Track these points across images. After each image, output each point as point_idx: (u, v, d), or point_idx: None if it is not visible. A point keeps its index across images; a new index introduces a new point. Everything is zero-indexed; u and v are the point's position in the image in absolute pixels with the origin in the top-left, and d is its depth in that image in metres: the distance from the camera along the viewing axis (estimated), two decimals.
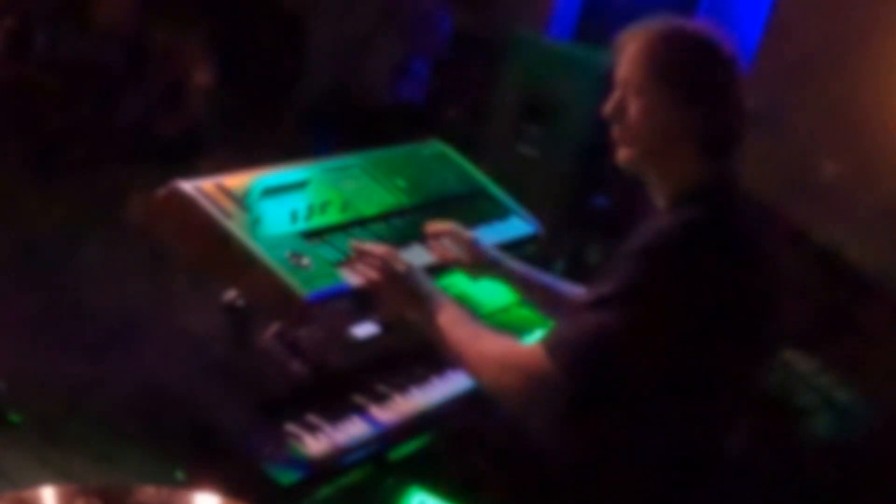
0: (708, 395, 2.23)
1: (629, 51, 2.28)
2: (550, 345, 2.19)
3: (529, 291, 2.75)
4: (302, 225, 2.50)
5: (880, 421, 3.84)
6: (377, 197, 2.75)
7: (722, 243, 2.21)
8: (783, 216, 4.23)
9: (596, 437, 2.25)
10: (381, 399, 2.48)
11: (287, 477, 2.24)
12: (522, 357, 2.24)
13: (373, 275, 2.44)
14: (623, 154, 2.31)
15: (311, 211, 2.55)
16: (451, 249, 2.70)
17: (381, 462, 2.43)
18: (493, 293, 2.84)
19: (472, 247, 2.70)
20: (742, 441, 2.36)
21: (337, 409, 2.42)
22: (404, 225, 2.74)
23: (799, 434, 3.76)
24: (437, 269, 2.66)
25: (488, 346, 2.31)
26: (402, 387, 2.54)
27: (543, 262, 2.94)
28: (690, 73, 2.24)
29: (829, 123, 4.54)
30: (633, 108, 2.27)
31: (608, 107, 2.31)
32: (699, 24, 2.33)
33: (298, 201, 2.56)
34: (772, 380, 3.72)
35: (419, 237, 2.71)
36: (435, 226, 2.72)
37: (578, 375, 2.15)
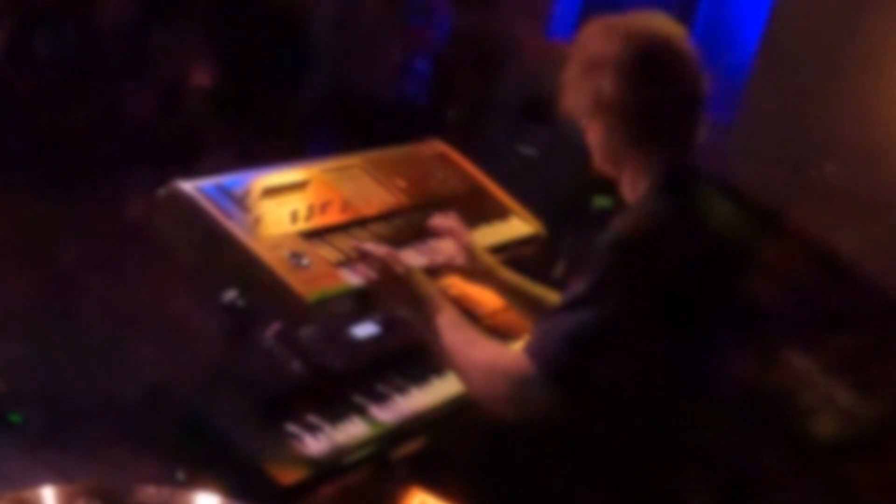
0: (685, 384, 2.23)
1: (576, 53, 2.33)
2: (532, 349, 2.20)
3: (520, 302, 2.75)
4: (302, 225, 2.50)
5: (880, 421, 3.84)
6: (377, 197, 2.75)
7: (687, 233, 2.23)
8: (783, 216, 4.23)
9: (580, 435, 2.26)
10: (381, 399, 2.48)
11: (287, 477, 2.24)
12: (507, 363, 2.25)
13: (373, 275, 2.44)
14: (593, 159, 2.34)
15: (311, 211, 2.55)
16: (447, 250, 2.69)
17: (381, 462, 2.43)
18: (492, 294, 2.84)
19: (467, 253, 2.69)
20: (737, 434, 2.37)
21: (337, 409, 2.41)
22: (404, 225, 2.73)
23: (799, 434, 3.76)
24: (436, 270, 2.66)
25: (479, 352, 2.31)
26: (402, 387, 2.54)
27: (543, 262, 2.93)
28: (630, 70, 2.23)
29: (830, 123, 4.53)
30: (574, 113, 2.32)
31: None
32: (645, 16, 2.32)
33: (298, 201, 2.55)
34: (772, 380, 3.72)
35: (419, 237, 2.71)
36: (438, 221, 2.72)
37: (560, 377, 2.15)
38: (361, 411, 2.44)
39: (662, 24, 2.30)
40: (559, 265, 4.30)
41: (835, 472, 3.60)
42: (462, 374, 2.34)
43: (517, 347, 2.36)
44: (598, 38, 2.29)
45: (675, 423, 2.25)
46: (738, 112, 4.72)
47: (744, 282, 2.34)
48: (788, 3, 4.80)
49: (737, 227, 2.32)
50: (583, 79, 2.29)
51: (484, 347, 2.33)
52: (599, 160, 2.34)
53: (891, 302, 4.24)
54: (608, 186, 2.38)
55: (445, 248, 2.69)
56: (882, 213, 4.40)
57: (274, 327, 2.43)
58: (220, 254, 2.36)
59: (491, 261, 2.74)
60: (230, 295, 2.39)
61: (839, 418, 3.80)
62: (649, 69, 2.24)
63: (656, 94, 2.25)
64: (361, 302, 2.46)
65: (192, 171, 2.48)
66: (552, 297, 2.71)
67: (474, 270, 2.70)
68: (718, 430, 2.32)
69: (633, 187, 2.30)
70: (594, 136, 2.32)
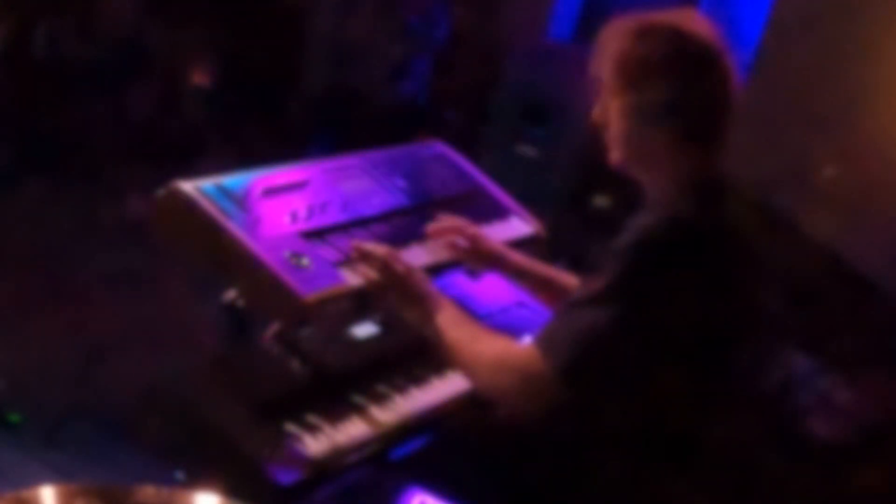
0: (696, 387, 2.23)
1: (606, 52, 2.29)
2: (544, 344, 2.20)
3: (534, 286, 2.76)
4: (302, 225, 2.50)
5: (880, 422, 3.84)
6: (377, 197, 2.75)
7: (707, 238, 2.22)
8: (783, 216, 4.23)
9: (584, 433, 2.26)
10: (381, 399, 2.48)
11: (287, 477, 2.24)
12: (517, 358, 2.25)
13: (373, 275, 2.44)
14: (613, 157, 2.32)
15: (311, 211, 2.55)
16: (454, 244, 2.69)
17: (381, 462, 2.43)
18: (492, 293, 2.84)
19: (477, 241, 2.70)
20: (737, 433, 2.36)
21: (337, 409, 2.41)
22: (404, 225, 2.73)
23: (799, 434, 3.76)
24: (437, 270, 2.66)
25: (485, 347, 2.31)
26: (402, 387, 2.54)
27: (543, 263, 2.93)
28: (667, 70, 2.23)
29: (831, 123, 4.53)
30: (614, 112, 2.28)
31: (595, 112, 2.32)
32: (676, 14, 2.31)
33: (298, 201, 2.55)
34: (772, 380, 3.72)
35: (419, 237, 2.71)
36: (437, 226, 2.72)
37: (572, 374, 2.15)
38: (361, 411, 2.44)
39: (700, 23, 2.29)
40: (559, 265, 4.30)
41: (834, 473, 3.60)
42: (468, 370, 2.34)
43: (524, 342, 2.36)
44: (636, 38, 2.26)
45: (683, 422, 2.25)
46: (738, 112, 4.72)
47: (760, 288, 2.34)
48: (788, 3, 4.80)
49: (757, 235, 2.32)
50: (625, 79, 2.26)
51: (490, 342, 2.33)
52: (624, 159, 2.31)
53: (891, 302, 4.24)
54: (608, 186, 2.38)
55: (452, 241, 2.69)
56: (883, 212, 4.40)
57: (274, 327, 2.43)
58: (220, 254, 2.36)
59: (501, 247, 2.74)
60: (230, 295, 2.40)
61: (838, 418, 3.80)
62: (696, 71, 2.24)
63: (702, 96, 2.24)
64: (361, 302, 2.47)
65: (192, 171, 2.48)
66: (566, 278, 2.72)
67: (485, 256, 2.71)
68: (724, 430, 2.32)
69: (658, 188, 2.29)
70: (626, 135, 2.29)
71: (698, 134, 2.26)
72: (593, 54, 2.31)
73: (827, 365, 3.94)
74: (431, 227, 2.71)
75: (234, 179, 2.49)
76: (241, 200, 2.43)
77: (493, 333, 2.38)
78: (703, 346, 2.21)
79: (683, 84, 2.23)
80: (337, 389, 2.46)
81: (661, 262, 2.16)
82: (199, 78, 5.39)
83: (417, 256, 2.63)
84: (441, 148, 3.10)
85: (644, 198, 2.32)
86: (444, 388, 2.58)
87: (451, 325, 2.35)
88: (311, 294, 2.32)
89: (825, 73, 4.56)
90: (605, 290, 2.16)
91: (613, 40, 2.28)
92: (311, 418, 2.36)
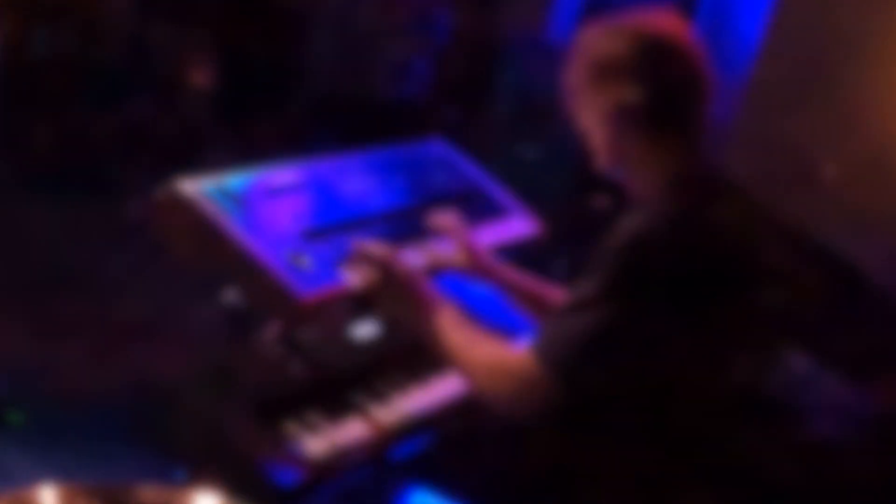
0: (692, 386, 2.23)
1: (577, 60, 2.32)
2: (540, 349, 2.20)
3: (523, 299, 2.75)
4: (302, 225, 2.50)
5: (880, 421, 3.84)
6: (377, 197, 2.75)
7: (698, 235, 2.22)
8: (783, 215, 4.23)
9: (582, 436, 2.26)
10: (381, 399, 2.48)
11: (287, 477, 2.24)
12: (514, 363, 2.24)
13: (373, 275, 2.44)
14: (597, 162, 2.34)
15: (311, 211, 2.55)
16: (446, 251, 2.69)
17: (381, 462, 2.43)
18: (493, 292, 2.84)
19: (469, 250, 2.70)
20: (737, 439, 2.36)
21: (337, 408, 2.42)
22: (404, 225, 2.73)
23: (799, 434, 3.76)
24: (437, 270, 2.66)
25: (482, 352, 2.31)
26: (402, 387, 2.54)
27: (543, 262, 2.93)
28: (636, 67, 2.23)
29: (831, 123, 4.53)
30: (592, 117, 2.29)
31: (579, 122, 2.34)
32: (642, 14, 2.31)
33: (298, 201, 2.56)
34: (772, 380, 3.72)
35: (419, 237, 2.71)
36: (438, 220, 2.72)
37: (568, 378, 2.15)
38: (361, 411, 2.44)
39: (669, 22, 2.30)
40: (559, 265, 4.30)
41: (836, 473, 3.60)
42: (466, 373, 2.34)
43: (520, 346, 2.36)
44: (606, 40, 2.28)
45: (681, 422, 2.25)
46: (739, 109, 4.73)
47: (753, 285, 2.34)
48: (788, 2, 4.81)
49: (747, 229, 2.32)
50: (594, 83, 2.28)
51: (487, 347, 2.33)
52: (608, 162, 2.33)
53: (891, 299, 4.24)
54: (608, 186, 2.38)
55: (446, 248, 2.70)
56: (883, 210, 4.40)
57: (274, 327, 2.43)
58: (220, 254, 2.36)
59: (492, 258, 2.74)
60: (230, 295, 2.40)
61: (840, 418, 3.80)
62: (664, 69, 2.24)
63: (672, 94, 2.25)
64: (361, 302, 2.47)
65: (191, 171, 2.48)
66: (554, 293, 2.71)
67: (476, 268, 2.71)
68: (723, 429, 2.32)
69: (643, 188, 2.29)
70: (604, 138, 2.30)
71: (675, 129, 2.27)
72: (567, 66, 2.33)
73: (828, 365, 3.94)
74: (433, 219, 2.71)
75: (234, 179, 2.49)
76: (241, 200, 2.43)
77: (491, 337, 2.38)
78: (700, 345, 2.21)
79: (653, 80, 2.23)
80: (337, 389, 2.47)
81: (652, 261, 2.16)
82: (200, 77, 5.39)
83: (417, 256, 2.63)
84: (441, 147, 3.10)
85: (632, 199, 2.32)
86: (445, 387, 2.58)
87: (450, 327, 2.35)
88: (311, 294, 2.33)
89: (825, 73, 4.56)
90: (596, 293, 2.16)
91: (582, 48, 2.30)
92: (312, 418, 2.36)
